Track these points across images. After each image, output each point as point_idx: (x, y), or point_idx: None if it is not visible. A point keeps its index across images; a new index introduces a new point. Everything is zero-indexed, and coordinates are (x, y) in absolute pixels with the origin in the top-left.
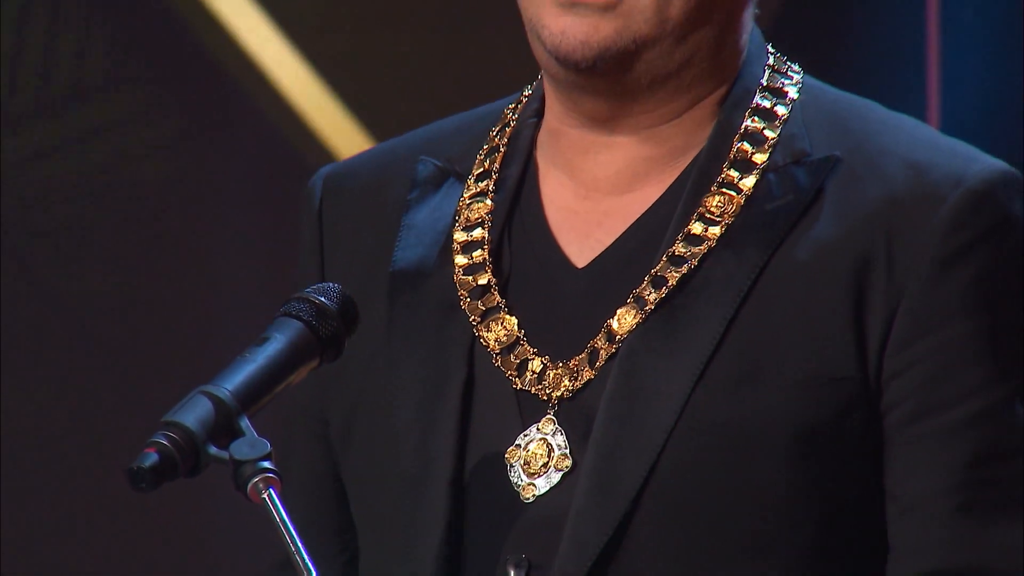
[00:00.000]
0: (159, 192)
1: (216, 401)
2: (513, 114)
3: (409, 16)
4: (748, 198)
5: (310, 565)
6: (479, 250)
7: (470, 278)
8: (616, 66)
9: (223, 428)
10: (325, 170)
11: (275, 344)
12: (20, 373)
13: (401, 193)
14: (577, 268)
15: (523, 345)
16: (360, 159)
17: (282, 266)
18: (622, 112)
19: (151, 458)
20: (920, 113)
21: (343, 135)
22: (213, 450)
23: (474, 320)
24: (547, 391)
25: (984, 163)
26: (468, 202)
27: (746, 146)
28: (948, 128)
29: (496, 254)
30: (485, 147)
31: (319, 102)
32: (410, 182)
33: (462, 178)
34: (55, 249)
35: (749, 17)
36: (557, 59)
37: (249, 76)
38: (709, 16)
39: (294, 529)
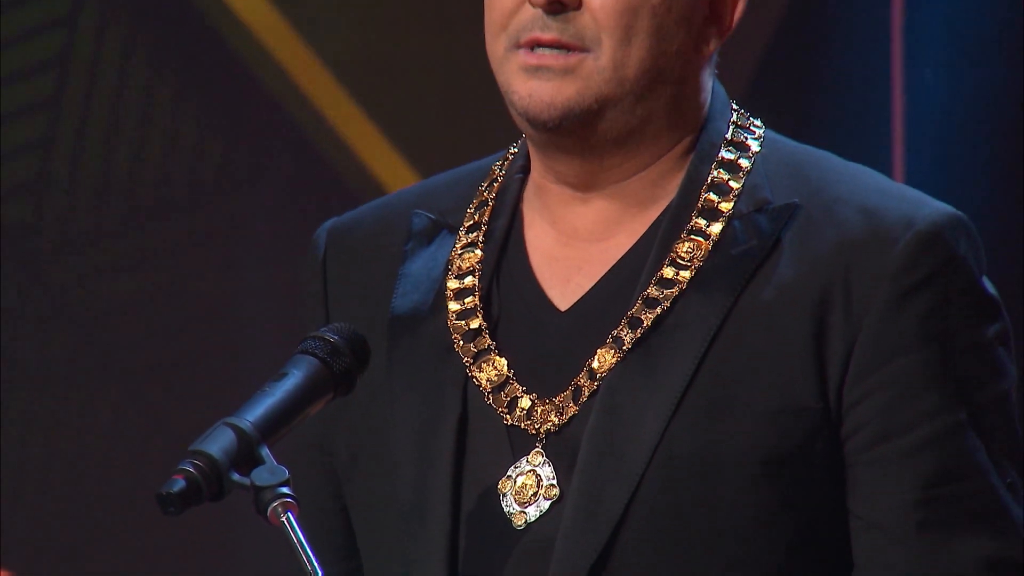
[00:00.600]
0: (184, 195)
1: (238, 432)
2: (500, 170)
3: (433, 17)
4: (715, 244)
5: None
6: (470, 296)
7: (463, 322)
8: (581, 124)
9: (245, 457)
10: (328, 224)
11: (292, 379)
12: (57, 398)
13: (398, 244)
14: (560, 311)
15: (512, 384)
16: (360, 212)
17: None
18: (593, 169)
19: (178, 484)
20: (886, 166)
21: (377, 150)
22: (236, 477)
23: (467, 361)
24: (535, 426)
25: (932, 207)
26: (460, 252)
27: (712, 196)
28: (911, 178)
29: (486, 300)
30: (475, 201)
31: (343, 106)
32: (406, 234)
33: (454, 230)
34: (79, 263)
35: (708, 76)
36: (528, 120)
37: (272, 75)
38: (665, 75)
39: (311, 550)
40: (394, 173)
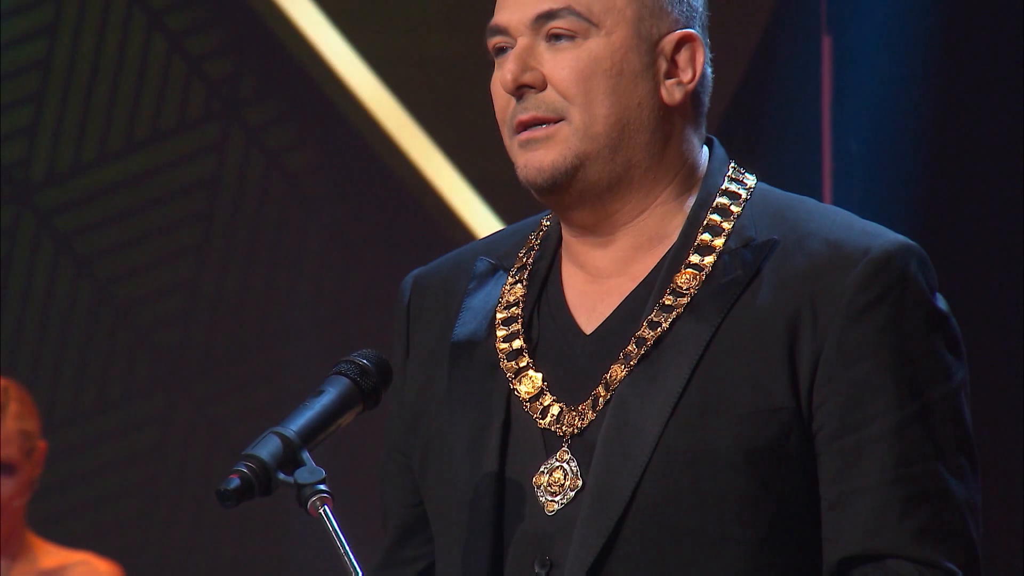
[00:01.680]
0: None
1: (283, 439)
2: (547, 222)
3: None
4: (708, 275)
5: (357, 566)
6: (515, 323)
7: (507, 344)
8: (571, 180)
9: (289, 459)
10: (414, 272)
11: (328, 395)
12: (135, 414)
13: (464, 284)
14: (586, 334)
15: (546, 394)
16: (438, 262)
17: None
18: (600, 217)
19: (234, 482)
20: None
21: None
22: (281, 476)
23: (510, 376)
24: (563, 429)
25: (887, 237)
26: (509, 288)
27: (707, 236)
28: None
29: (528, 326)
30: (524, 247)
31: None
32: (470, 276)
33: (507, 270)
34: (144, 284)
35: (691, 125)
36: (529, 187)
37: (326, 79)
38: (633, 124)
39: (344, 538)
40: (440, 172)
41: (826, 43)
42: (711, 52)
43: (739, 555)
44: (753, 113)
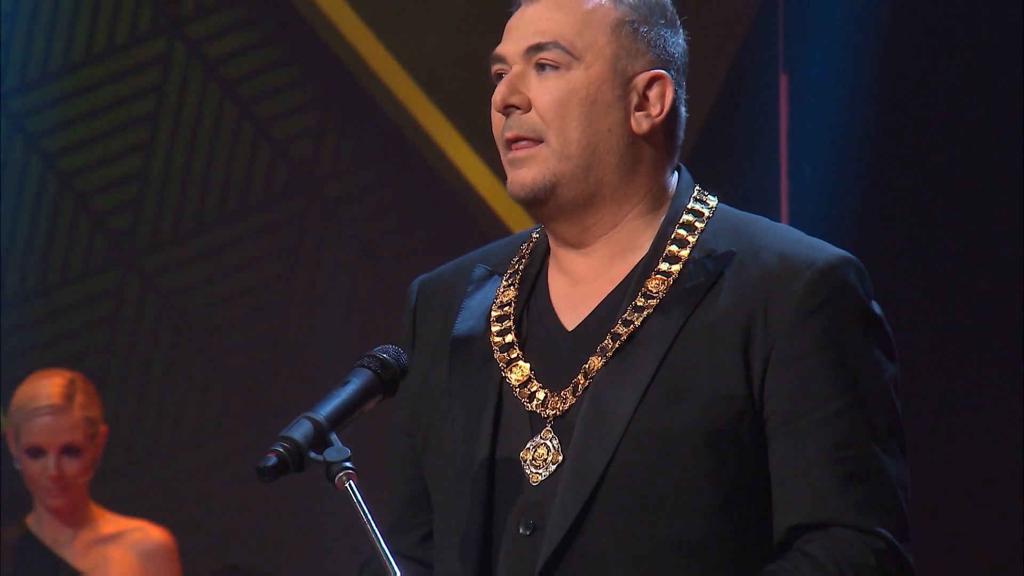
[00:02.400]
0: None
1: (314, 422)
2: (536, 234)
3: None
4: (675, 280)
5: (378, 532)
6: (507, 321)
7: (500, 339)
8: (550, 195)
9: (319, 440)
10: (420, 278)
11: (353, 385)
12: (183, 404)
13: (463, 288)
14: (568, 331)
15: (533, 382)
16: (441, 269)
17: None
18: (578, 230)
19: (271, 460)
20: None
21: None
22: (312, 455)
23: (502, 366)
24: (547, 411)
25: (830, 251)
26: (502, 291)
27: (674, 248)
28: None
29: (518, 323)
30: (516, 256)
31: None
32: (469, 280)
33: (501, 275)
34: (192, 289)
35: (661, 161)
36: (516, 200)
37: (365, 76)
38: (603, 147)
39: (367, 508)
40: (472, 166)
41: (783, 81)
42: (685, 94)
43: (699, 521)
44: (719, 142)
